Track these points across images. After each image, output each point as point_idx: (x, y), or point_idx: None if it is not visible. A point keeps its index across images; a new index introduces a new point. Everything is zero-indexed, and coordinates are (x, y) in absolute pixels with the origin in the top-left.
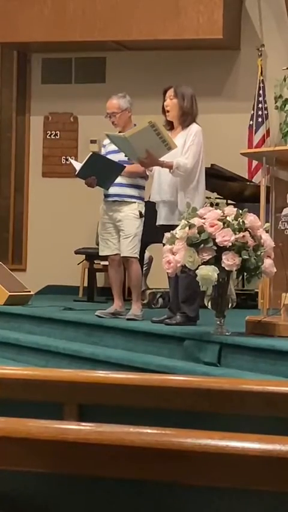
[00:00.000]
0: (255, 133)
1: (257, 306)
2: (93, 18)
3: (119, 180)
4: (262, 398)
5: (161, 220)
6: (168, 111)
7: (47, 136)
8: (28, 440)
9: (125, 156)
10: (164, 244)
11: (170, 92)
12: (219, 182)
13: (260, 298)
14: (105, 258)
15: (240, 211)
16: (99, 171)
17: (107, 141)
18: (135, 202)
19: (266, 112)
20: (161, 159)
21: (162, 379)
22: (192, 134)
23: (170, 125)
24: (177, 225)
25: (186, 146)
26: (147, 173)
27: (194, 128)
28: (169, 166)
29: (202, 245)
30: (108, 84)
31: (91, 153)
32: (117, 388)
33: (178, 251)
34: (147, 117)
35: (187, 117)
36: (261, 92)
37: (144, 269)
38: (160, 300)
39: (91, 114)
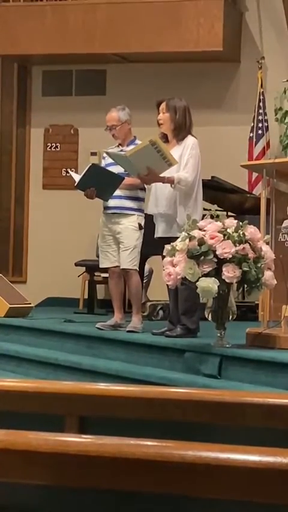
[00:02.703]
0: (255, 145)
1: (258, 318)
2: (93, 30)
3: (118, 192)
4: (263, 410)
5: (158, 233)
6: (161, 124)
7: (48, 149)
8: (28, 452)
9: (125, 171)
10: (163, 257)
11: (162, 106)
12: (220, 194)
13: (261, 310)
14: (105, 270)
15: (241, 223)
16: (99, 183)
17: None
18: (134, 214)
19: (266, 124)
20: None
21: (163, 392)
22: (188, 147)
23: (165, 137)
24: (175, 238)
25: (184, 159)
26: (146, 186)
27: (190, 140)
28: (170, 182)
29: (202, 257)
30: (109, 96)
31: (90, 164)
32: (117, 400)
33: (178, 263)
34: (148, 129)
35: (180, 131)
36: (261, 104)
37: (144, 281)
38: (160, 312)
39: (91, 127)
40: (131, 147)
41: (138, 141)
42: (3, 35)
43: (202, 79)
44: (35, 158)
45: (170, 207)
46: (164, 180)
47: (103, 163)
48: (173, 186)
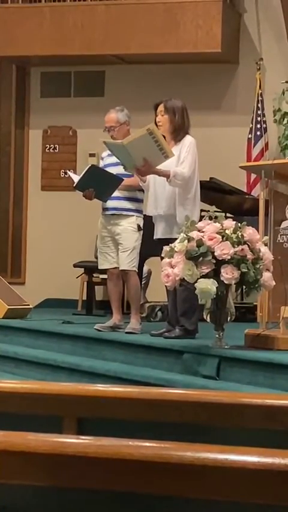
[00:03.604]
0: (253, 146)
1: (256, 319)
2: (92, 31)
3: (116, 193)
4: (261, 411)
5: (158, 234)
6: (160, 127)
7: (46, 150)
8: (27, 453)
9: (121, 164)
10: (162, 258)
11: (161, 108)
12: (218, 195)
13: (259, 311)
14: (104, 271)
15: (239, 224)
16: (98, 184)
17: (105, 153)
18: (133, 215)
19: (264, 125)
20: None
21: (161, 393)
22: (186, 145)
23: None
24: (175, 239)
25: (182, 157)
26: (141, 184)
27: (187, 139)
28: (166, 175)
29: (201, 258)
30: (107, 98)
31: (90, 165)
32: (116, 402)
33: (177, 264)
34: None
35: (179, 132)
36: (259, 105)
37: (143, 282)
38: (159, 313)
39: (90, 128)
40: None
41: None
42: (2, 36)
43: (201, 80)
44: (33, 159)
45: (170, 208)
46: (159, 173)
47: (101, 164)
48: (168, 180)
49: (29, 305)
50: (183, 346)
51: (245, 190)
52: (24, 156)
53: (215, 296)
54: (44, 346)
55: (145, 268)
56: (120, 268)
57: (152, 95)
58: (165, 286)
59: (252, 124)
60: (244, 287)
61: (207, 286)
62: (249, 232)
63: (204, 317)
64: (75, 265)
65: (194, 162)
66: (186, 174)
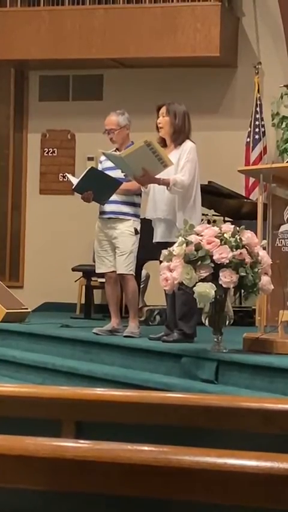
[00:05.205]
0: (252, 150)
1: (255, 323)
2: (90, 35)
3: (114, 197)
4: (260, 415)
5: (157, 238)
6: (161, 128)
7: (44, 154)
8: (25, 457)
9: (122, 172)
10: (161, 261)
11: (163, 110)
12: (217, 199)
13: (258, 315)
14: (102, 275)
15: (238, 228)
16: (97, 186)
17: (103, 157)
18: (130, 219)
19: (263, 129)
20: (157, 176)
21: (160, 397)
22: (186, 151)
23: (163, 142)
24: (173, 242)
25: (182, 163)
26: (142, 189)
27: (188, 145)
28: (166, 184)
29: (199, 262)
30: (106, 102)
31: (89, 167)
32: (114, 406)
33: (175, 268)
34: (145, 135)
35: (179, 135)
36: (258, 109)
37: (141, 286)
38: (157, 317)
39: (88, 132)
40: None
41: None
42: (0, 40)
43: (199, 84)
44: (31, 163)
45: (169, 212)
46: (159, 182)
47: (100, 168)
48: (168, 188)
49: (27, 309)
50: (181, 350)
51: (243, 194)
52: (23, 159)
53: (213, 300)
54: (43, 350)
55: (143, 272)
56: (118, 272)
57: (151, 98)
58: (164, 290)
59: (250, 128)
60: (242, 291)
61: (206, 290)
62: (247, 236)
63: (203, 321)
64: (73, 269)
65: (194, 169)
66: (186, 182)
